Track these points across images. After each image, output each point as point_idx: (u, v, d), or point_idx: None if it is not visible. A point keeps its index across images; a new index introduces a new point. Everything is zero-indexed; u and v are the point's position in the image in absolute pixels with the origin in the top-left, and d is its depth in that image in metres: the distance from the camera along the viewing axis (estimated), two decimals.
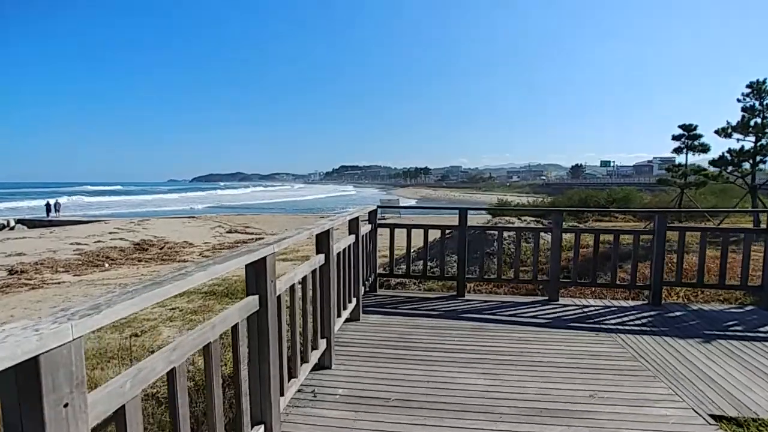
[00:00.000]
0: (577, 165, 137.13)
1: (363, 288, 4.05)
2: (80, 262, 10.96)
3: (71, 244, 14.19)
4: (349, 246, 3.39)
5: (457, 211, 5.13)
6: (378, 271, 4.94)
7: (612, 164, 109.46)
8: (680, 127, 10.63)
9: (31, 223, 23.29)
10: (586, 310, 4.22)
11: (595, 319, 3.93)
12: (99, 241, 14.75)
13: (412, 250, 5.24)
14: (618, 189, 13.53)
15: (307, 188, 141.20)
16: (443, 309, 4.29)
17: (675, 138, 10.75)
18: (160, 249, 13.16)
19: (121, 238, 15.46)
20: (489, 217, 16.51)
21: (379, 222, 4.58)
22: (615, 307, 4.38)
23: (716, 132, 9.02)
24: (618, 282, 4.71)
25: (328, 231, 2.74)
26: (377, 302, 4.45)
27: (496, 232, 5.48)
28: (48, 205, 25.75)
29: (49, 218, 24.56)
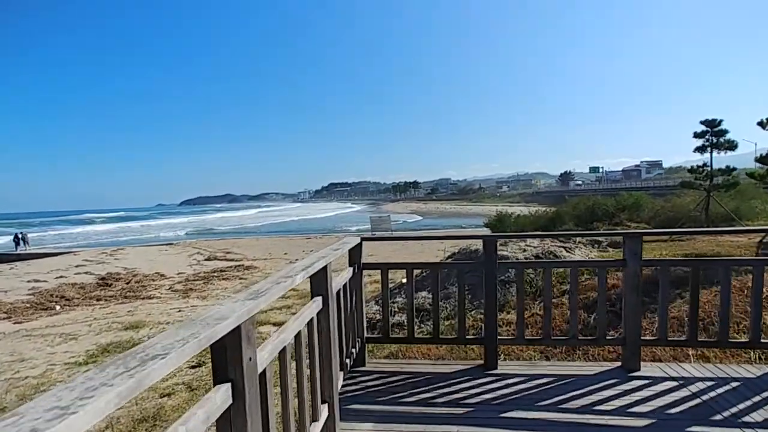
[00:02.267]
0: (565, 172, 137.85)
1: (343, 372, 2.72)
2: (28, 305, 9.57)
3: (29, 281, 12.74)
4: (310, 322, 2.06)
5: (469, 233, 3.89)
6: (367, 334, 3.48)
7: (601, 170, 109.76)
8: (703, 123, 9.65)
9: None
10: (691, 387, 2.76)
11: (714, 407, 2.51)
12: (61, 277, 13.33)
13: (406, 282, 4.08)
14: (626, 195, 12.52)
15: (296, 207, 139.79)
16: (467, 396, 2.84)
17: (697, 135, 9.76)
18: (127, 283, 11.80)
19: (87, 272, 14.06)
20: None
21: (365, 263, 3.29)
22: (731, 377, 2.89)
23: (759, 124, 8.03)
24: (733, 339, 3.27)
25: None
26: (365, 387, 3.03)
27: (538, 270, 4.46)
28: (16, 237, 24.16)
29: (18, 252, 22.96)
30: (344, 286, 2.68)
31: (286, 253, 17.02)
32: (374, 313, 5.22)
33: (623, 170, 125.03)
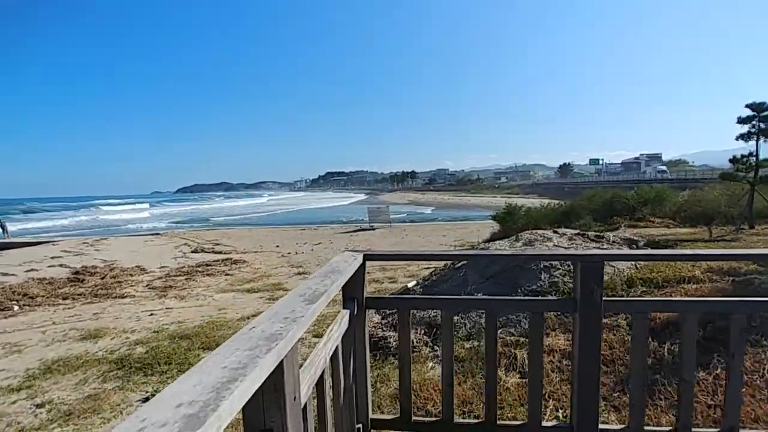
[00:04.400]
0: (564, 164, 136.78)
1: None
2: None
3: None
4: None
5: (552, 253, 3.08)
6: (373, 415, 2.20)
7: (601, 162, 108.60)
8: (749, 107, 8.60)
9: None
10: None
11: None
12: (32, 270, 12.26)
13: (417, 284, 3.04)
14: (647, 187, 11.53)
15: (293, 196, 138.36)
16: None
17: (741, 121, 8.72)
18: (101, 279, 10.75)
19: (61, 264, 12.99)
20: (496, 225, 14.45)
21: (370, 297, 2.03)
22: None
23: None
24: None
25: None
26: None
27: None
28: None
29: None
30: (335, 349, 1.55)
31: (278, 246, 15.99)
32: (379, 338, 4.18)
33: (623, 162, 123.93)
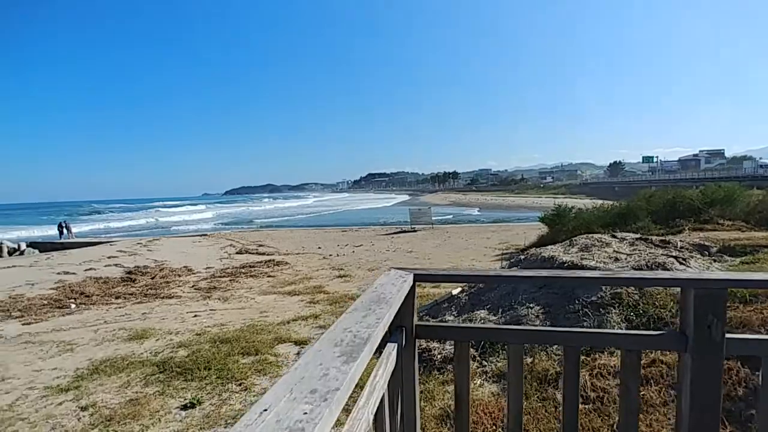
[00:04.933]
0: (615, 162, 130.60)
1: None
2: (45, 302, 8.97)
3: (58, 273, 12.36)
4: None
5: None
6: None
7: (655, 159, 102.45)
8: None
9: (43, 246, 22.02)
10: None
11: None
12: (90, 269, 12.89)
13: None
14: (714, 186, 10.55)
15: (336, 198, 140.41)
16: None
17: None
18: (152, 279, 11.13)
19: (116, 264, 13.60)
20: (543, 227, 13.79)
21: (422, 325, 1.70)
22: None
23: None
24: None
25: None
26: None
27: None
28: (60, 226, 24.61)
29: (61, 240, 23.33)
30: (381, 401, 1.21)
31: (320, 247, 16.05)
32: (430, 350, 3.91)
33: (680, 160, 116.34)
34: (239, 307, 7.67)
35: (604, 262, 4.47)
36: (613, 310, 3.83)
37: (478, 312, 4.69)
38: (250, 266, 12.28)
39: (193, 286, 10.02)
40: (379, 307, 1.17)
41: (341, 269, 11.21)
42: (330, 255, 14.13)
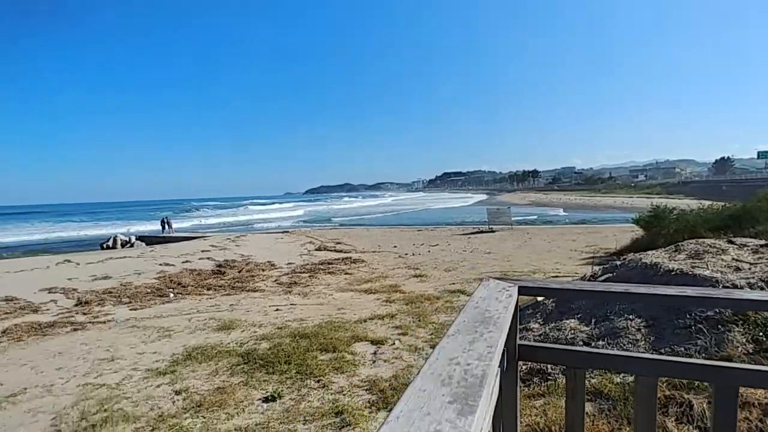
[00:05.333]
0: (722, 158, 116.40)
1: None
2: (149, 290, 9.90)
3: (160, 264, 13.62)
4: None
5: None
6: None
7: None
8: None
9: (149, 240, 24.57)
10: None
11: None
12: (187, 261, 14.06)
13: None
14: None
15: (409, 197, 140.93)
16: None
17: None
18: (239, 272, 11.84)
19: (208, 258, 14.69)
20: (637, 229, 12.59)
21: (526, 345, 1.43)
22: None
23: None
24: None
25: None
26: None
27: None
28: (163, 222, 27.31)
29: (163, 234, 25.82)
30: None
31: (395, 246, 16.08)
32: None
33: None
34: (318, 303, 7.86)
35: (722, 272, 3.87)
36: (735, 328, 3.30)
37: (567, 321, 4.31)
38: (328, 263, 12.61)
39: (275, 281, 10.48)
40: (487, 330, 0.98)
41: (417, 269, 11.09)
42: (406, 254, 14.08)
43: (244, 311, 7.46)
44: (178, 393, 4.08)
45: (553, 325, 4.48)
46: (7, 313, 8.44)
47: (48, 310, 8.67)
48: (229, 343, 5.57)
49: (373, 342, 5.19)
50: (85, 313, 8.16)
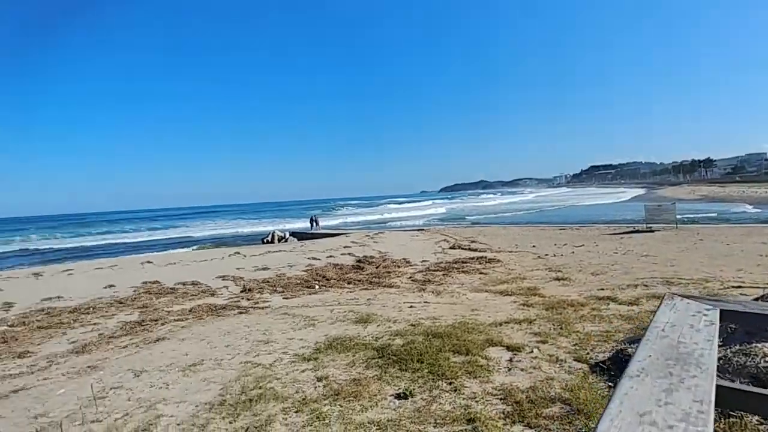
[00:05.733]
0: None
1: None
2: (298, 282, 10.96)
3: (308, 258, 15.04)
4: None
5: None
6: None
7: None
8: None
9: (299, 236, 27.38)
10: None
11: None
12: (330, 256, 15.25)
13: None
14: None
15: (551, 193, 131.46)
16: None
17: None
18: (376, 268, 12.39)
19: (349, 253, 15.72)
20: None
21: (728, 386, 1.21)
22: None
23: None
24: None
25: None
26: None
27: None
28: (311, 219, 30.22)
29: (312, 231, 28.51)
30: None
31: (534, 246, 15.09)
32: None
33: None
34: (451, 302, 7.75)
35: None
36: None
37: (762, 345, 3.46)
38: (462, 262, 12.41)
39: (410, 278, 10.69)
40: (687, 373, 0.72)
41: (559, 271, 10.21)
42: (546, 255, 13.10)
43: (380, 306, 7.73)
44: (319, 380, 4.37)
45: (737, 348, 3.65)
46: (193, 295, 10.18)
47: (221, 294, 10.21)
48: (365, 336, 5.80)
49: (509, 348, 4.88)
50: (248, 299, 9.39)
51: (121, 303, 9.74)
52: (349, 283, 10.54)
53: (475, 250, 15.14)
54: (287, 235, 27.72)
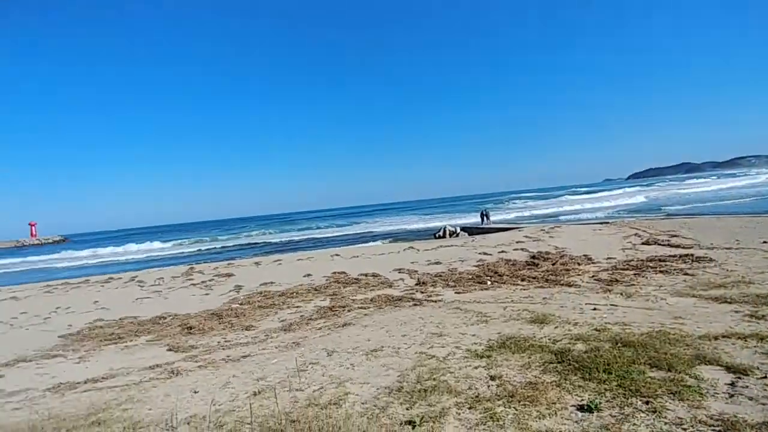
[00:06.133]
0: None
1: None
2: (470, 276, 10.96)
3: (479, 253, 14.93)
4: None
5: None
6: None
7: None
8: None
9: (470, 230, 27.33)
10: None
11: None
12: (502, 252, 14.84)
13: None
14: None
15: None
16: None
17: None
18: (552, 265, 11.54)
19: (522, 249, 15.02)
20: None
21: None
22: None
23: None
24: None
25: None
26: None
27: None
28: (482, 214, 29.79)
29: (482, 225, 28.12)
30: None
31: (765, 242, 11.95)
32: None
33: None
34: (645, 306, 6.71)
35: None
36: None
37: None
38: (660, 260, 10.62)
39: (592, 276, 9.64)
40: None
41: None
42: None
43: (558, 306, 7.18)
44: (492, 378, 4.29)
45: None
46: (373, 286, 11.12)
47: (398, 286, 10.90)
48: (541, 338, 5.47)
49: (730, 368, 3.97)
50: (422, 292, 9.80)
51: (316, 290, 11.27)
52: (522, 280, 10.06)
53: (678, 246, 12.76)
54: (458, 230, 27.94)
